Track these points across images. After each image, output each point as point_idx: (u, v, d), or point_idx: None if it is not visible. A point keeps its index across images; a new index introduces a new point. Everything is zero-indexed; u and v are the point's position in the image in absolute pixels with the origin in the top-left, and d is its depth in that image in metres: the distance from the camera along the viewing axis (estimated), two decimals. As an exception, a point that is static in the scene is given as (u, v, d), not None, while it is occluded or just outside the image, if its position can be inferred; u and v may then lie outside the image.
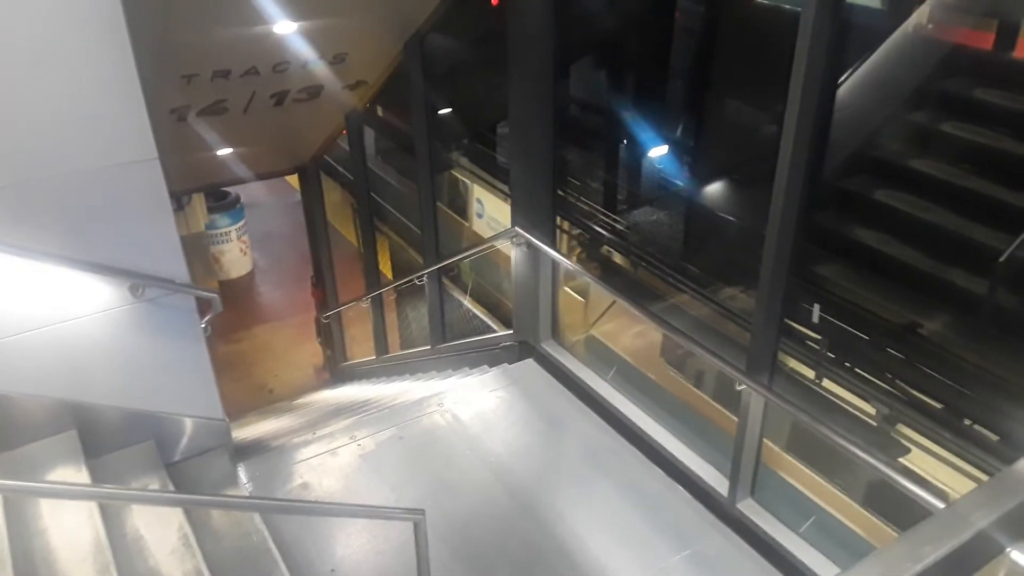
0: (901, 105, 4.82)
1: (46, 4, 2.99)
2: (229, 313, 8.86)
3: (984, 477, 3.40)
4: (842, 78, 4.39)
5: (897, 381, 4.05)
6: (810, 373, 4.35)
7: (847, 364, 4.31)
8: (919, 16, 4.88)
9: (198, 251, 10.91)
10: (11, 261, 3.24)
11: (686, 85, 6.41)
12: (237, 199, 11.63)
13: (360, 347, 9.18)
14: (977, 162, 4.32)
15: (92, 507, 3.20)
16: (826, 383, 4.28)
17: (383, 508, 3.34)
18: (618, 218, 6.35)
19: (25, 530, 3.09)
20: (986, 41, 4.85)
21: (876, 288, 4.46)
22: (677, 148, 6.23)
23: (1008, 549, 1.02)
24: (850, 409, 4.08)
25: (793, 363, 4.47)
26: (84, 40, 3.11)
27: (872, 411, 4.06)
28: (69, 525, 3.16)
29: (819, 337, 4.32)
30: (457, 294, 7.40)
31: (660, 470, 4.25)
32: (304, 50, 5.56)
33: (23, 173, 3.17)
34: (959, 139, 4.47)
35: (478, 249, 5.72)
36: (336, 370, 9.28)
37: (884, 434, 3.96)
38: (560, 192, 5.24)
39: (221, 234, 11.52)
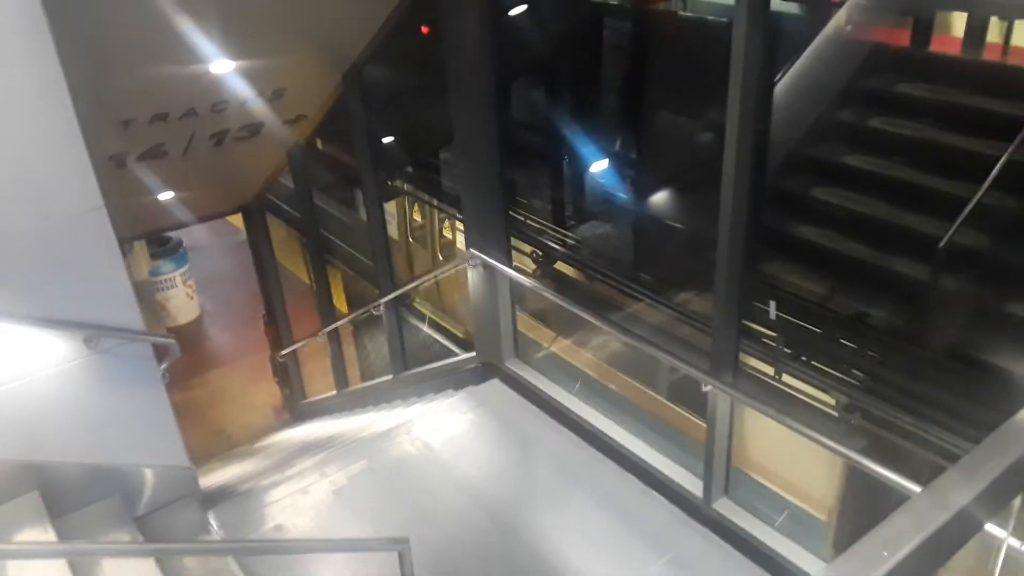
0: (830, 105, 5.03)
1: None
2: (180, 360, 8.66)
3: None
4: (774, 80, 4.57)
5: (852, 370, 4.20)
6: (770, 370, 4.48)
7: (803, 358, 4.45)
8: (837, 19, 5.13)
9: (144, 299, 10.57)
10: (-44, 322, 3.14)
11: (620, 99, 6.57)
12: (180, 244, 11.40)
13: (319, 383, 9.05)
14: (907, 154, 4.54)
15: (62, 567, 3.09)
16: (786, 378, 4.41)
17: (365, 540, 3.30)
18: (568, 233, 6.44)
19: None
20: (903, 38, 5.12)
21: (824, 282, 4.63)
22: (618, 161, 6.38)
23: (986, 525, 1.07)
24: (812, 402, 4.21)
25: (753, 361, 4.59)
26: (24, 96, 3.06)
27: (832, 401, 4.19)
28: (38, 589, 3.05)
29: (775, 334, 4.45)
30: (415, 320, 7.40)
31: (635, 478, 4.30)
32: (242, 88, 5.52)
33: (-32, 233, 3.09)
34: (888, 133, 4.69)
35: (433, 274, 5.73)
36: (296, 408, 9.14)
37: (845, 423, 4.09)
38: (510, 212, 5.30)
39: (166, 280, 11.28)
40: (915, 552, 1.00)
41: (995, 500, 1.11)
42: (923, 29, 5.02)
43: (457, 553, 3.88)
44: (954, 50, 5.08)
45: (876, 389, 4.02)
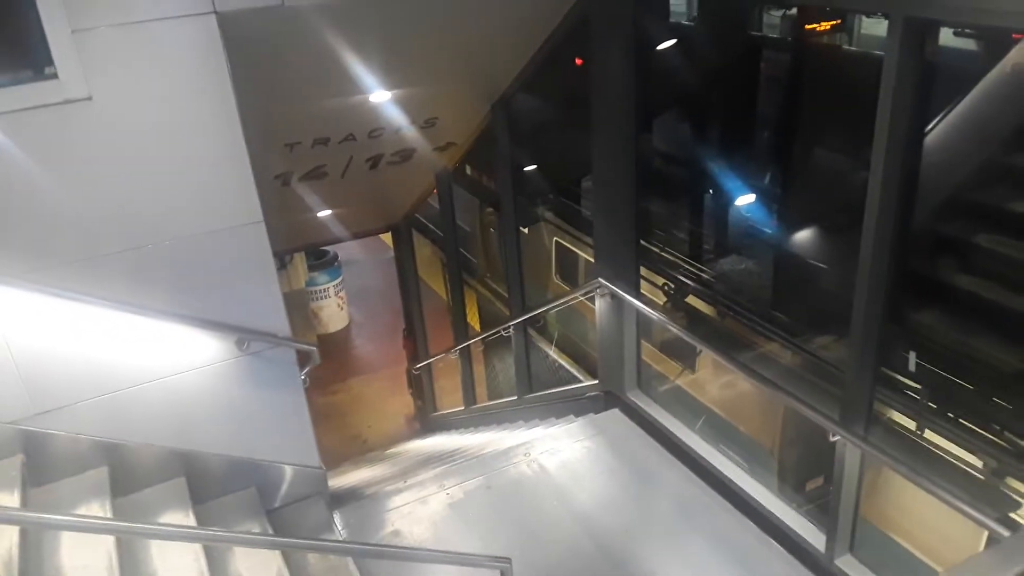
0: (998, 147, 4.67)
1: (163, 89, 3.30)
2: (326, 366, 9.17)
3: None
4: (935, 120, 4.31)
5: (1006, 432, 3.86)
6: (910, 424, 4.20)
7: (950, 415, 4.14)
8: (1017, 53, 4.76)
9: (298, 307, 11.40)
10: (130, 318, 3.52)
11: (772, 134, 6.39)
12: (335, 257, 12.13)
13: (449, 398, 9.33)
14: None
15: (198, 550, 3.37)
16: (928, 434, 4.12)
17: (471, 555, 3.38)
18: (703, 267, 6.32)
19: (135, 571, 3.28)
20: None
21: (981, 336, 4.28)
22: (764, 196, 6.19)
23: None
24: (954, 462, 3.91)
25: (894, 414, 4.32)
26: (198, 117, 3.41)
27: (979, 463, 3.87)
28: (176, 567, 3.34)
29: (919, 387, 4.17)
30: (543, 344, 7.48)
31: (753, 523, 4.14)
32: (397, 116, 5.85)
33: (143, 238, 3.47)
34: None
35: (563, 300, 5.79)
36: (426, 420, 9.45)
37: (993, 488, 3.76)
38: (644, 243, 5.28)
39: (320, 291, 12.02)
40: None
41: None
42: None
43: (562, 578, 3.89)
44: None
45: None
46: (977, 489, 3.77)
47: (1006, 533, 2.91)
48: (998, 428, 3.89)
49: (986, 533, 3.87)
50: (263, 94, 4.63)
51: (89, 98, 3.19)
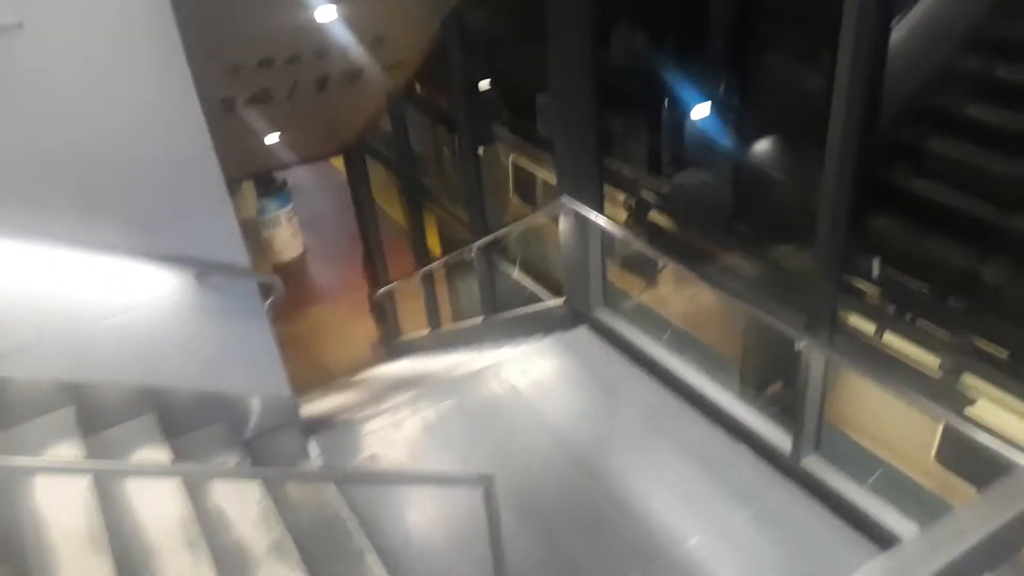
0: (954, 51, 4.68)
1: (101, 13, 3.09)
2: (284, 295, 9.06)
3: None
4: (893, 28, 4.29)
5: (960, 331, 4.01)
6: (870, 329, 4.32)
7: (908, 317, 4.27)
8: (970, -45, 4.72)
9: (250, 236, 11.05)
10: (83, 256, 3.39)
11: (726, 42, 6.31)
12: (284, 183, 11.82)
13: (414, 322, 9.33)
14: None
15: (176, 485, 3.36)
16: (888, 338, 4.26)
17: (453, 474, 3.44)
18: (664, 181, 6.32)
19: (114, 509, 3.26)
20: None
21: (934, 239, 4.39)
22: (721, 107, 6.15)
23: None
24: (912, 363, 4.05)
25: (853, 319, 4.44)
26: (137, 40, 3.21)
27: (935, 363, 4.02)
28: (155, 502, 3.32)
29: (878, 292, 4.28)
30: (506, 265, 7.46)
31: (722, 430, 4.27)
32: (344, 34, 5.61)
33: (87, 172, 3.30)
34: (1015, 83, 4.34)
35: (525, 220, 5.75)
36: (391, 345, 9.45)
37: (948, 386, 3.92)
38: (605, 159, 5.23)
39: (271, 219, 11.75)
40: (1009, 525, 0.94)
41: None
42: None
43: (540, 492, 3.99)
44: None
45: (984, 351, 3.84)
46: (934, 387, 3.93)
47: (963, 426, 3.04)
48: (952, 327, 4.04)
49: (940, 428, 4.07)
50: (202, 14, 4.38)
51: (20, 25, 2.96)
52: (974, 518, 0.84)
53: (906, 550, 0.82)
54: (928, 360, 4.03)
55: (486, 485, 3.03)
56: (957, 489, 4.07)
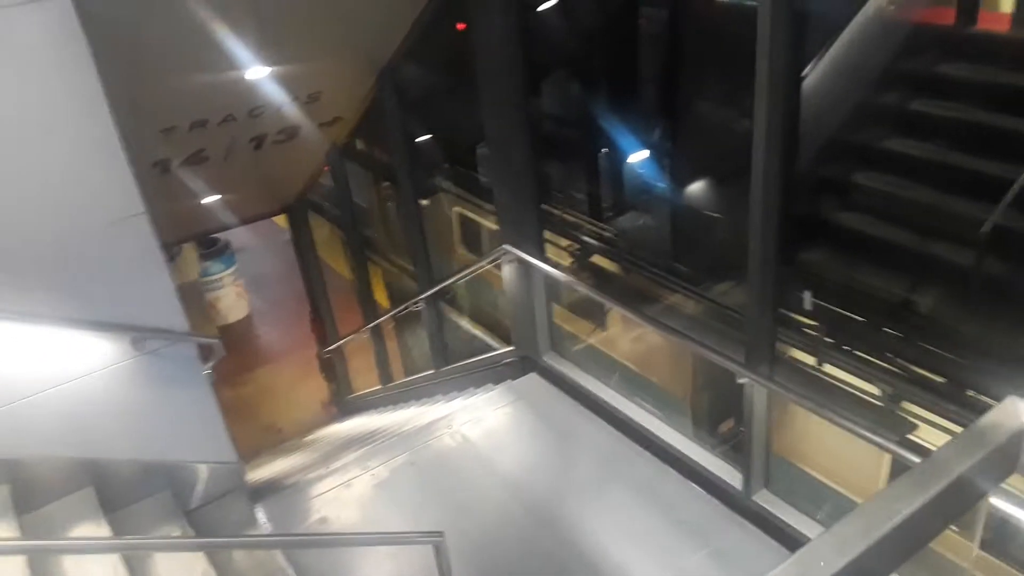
0: (870, 88, 4.91)
1: (25, 80, 3.06)
2: (231, 358, 8.82)
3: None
4: (807, 68, 4.48)
5: (897, 359, 4.11)
6: (811, 360, 4.41)
7: (846, 347, 4.37)
8: (878, -1, 4.99)
9: (194, 299, 10.93)
10: (12, 326, 3.28)
11: (657, 90, 6.50)
12: (227, 245, 11.68)
13: (364, 378, 9.20)
14: (951, 136, 4.40)
15: (116, 562, 3.22)
16: (828, 368, 4.34)
17: (402, 533, 3.37)
18: (605, 226, 6.42)
19: (51, 592, 3.11)
20: (948, 17, 4.95)
21: (866, 269, 4.53)
22: (656, 151, 6.32)
23: (988, 494, 1.03)
24: (854, 391, 4.14)
25: (795, 352, 4.52)
26: (62, 107, 3.18)
27: (876, 391, 4.11)
28: (94, 582, 3.18)
29: (816, 324, 4.38)
30: (455, 316, 7.45)
31: (673, 470, 4.29)
32: (277, 93, 5.63)
33: (16, 240, 3.23)
34: (930, 116, 4.55)
35: (470, 270, 5.77)
36: (343, 403, 9.30)
37: (891, 413, 4.01)
38: (545, 207, 5.31)
39: (215, 280, 11.56)
40: (915, 515, 0.94)
41: (997, 469, 1.03)
42: (969, 5, 4.85)
43: (496, 546, 3.92)
44: (1003, 27, 4.91)
45: (921, 378, 3.93)
46: (876, 415, 4.01)
47: (906, 454, 3.11)
48: (890, 356, 4.14)
49: (888, 456, 4.14)
50: (131, 77, 4.35)
51: (-61, 98, 2.91)
52: (879, 512, 0.86)
53: (813, 548, 0.84)
54: (870, 389, 4.12)
55: (436, 543, 2.97)
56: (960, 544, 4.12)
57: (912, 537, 0.88)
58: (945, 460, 0.88)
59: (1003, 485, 0.98)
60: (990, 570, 3.32)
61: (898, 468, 4.09)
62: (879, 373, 3.99)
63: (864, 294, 4.38)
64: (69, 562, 3.24)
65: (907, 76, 4.74)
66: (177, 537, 3.63)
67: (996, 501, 1.02)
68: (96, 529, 3.46)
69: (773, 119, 3.15)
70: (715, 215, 5.79)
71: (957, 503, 0.91)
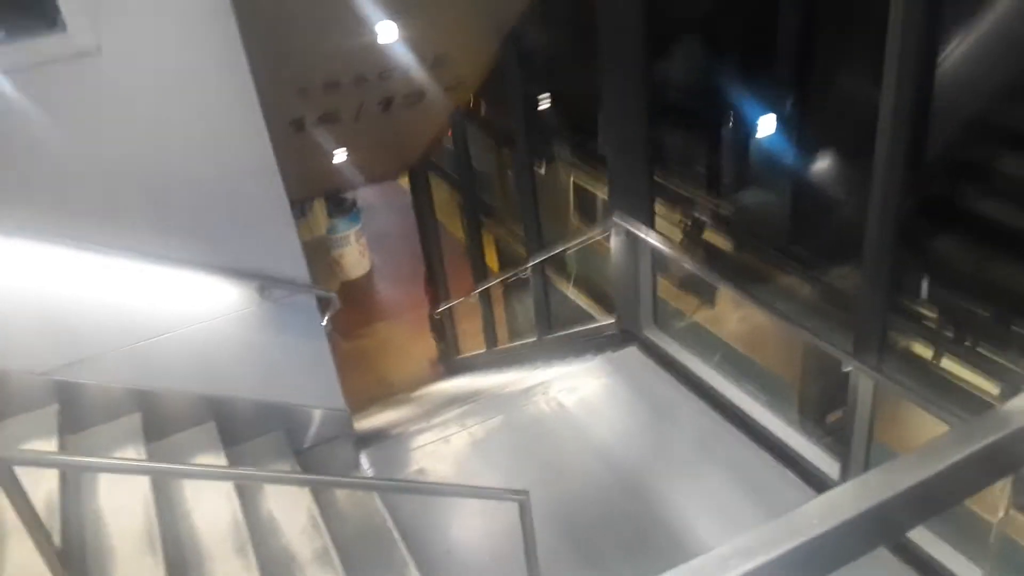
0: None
1: (171, 38, 3.30)
2: (351, 311, 9.29)
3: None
4: (954, 42, 4.18)
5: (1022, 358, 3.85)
6: (927, 353, 4.19)
7: (967, 342, 4.13)
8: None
9: (321, 254, 11.49)
10: (151, 268, 3.59)
11: (790, 59, 6.22)
12: (354, 203, 12.14)
13: (471, 340, 9.44)
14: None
15: (230, 491, 3.50)
16: (945, 363, 4.12)
17: (489, 488, 3.49)
18: (722, 202, 6.26)
19: (171, 513, 3.42)
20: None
21: (999, 261, 4.23)
22: (783, 126, 6.07)
23: None
24: (970, 389, 3.91)
25: (912, 344, 4.31)
26: (205, 64, 3.40)
27: (995, 391, 3.87)
28: (210, 508, 3.48)
29: (936, 315, 4.15)
30: (562, 284, 7.50)
31: (769, 454, 4.20)
32: (406, 55, 5.79)
33: (158, 188, 3.51)
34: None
35: (578, 241, 5.79)
36: (449, 363, 9.59)
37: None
38: (660, 179, 5.24)
39: (341, 238, 12.05)
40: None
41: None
42: None
43: (582, 510, 3.99)
44: None
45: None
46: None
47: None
48: (1016, 354, 3.88)
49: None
50: (271, 37, 4.60)
51: (99, 50, 3.19)
52: (909, 466, 0.86)
53: (837, 493, 0.85)
54: (988, 387, 3.88)
55: (521, 501, 3.06)
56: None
57: (943, 493, 0.88)
58: (988, 424, 0.87)
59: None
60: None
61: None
62: (1001, 371, 3.76)
63: (995, 287, 4.11)
64: (189, 489, 3.55)
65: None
66: (287, 472, 3.90)
67: None
68: (215, 460, 3.77)
69: (901, 96, 2.99)
70: (841, 196, 5.53)
71: (993, 467, 0.89)
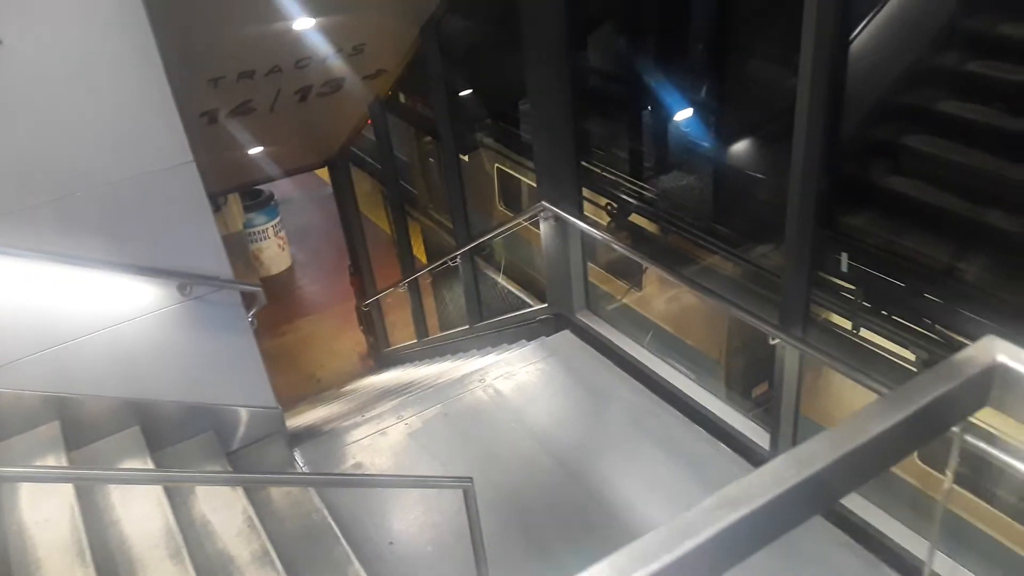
0: (926, 48, 4.74)
1: (77, 28, 3.14)
2: (273, 308, 9.02)
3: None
4: (863, 23, 4.35)
5: (936, 326, 4.05)
6: (847, 324, 4.36)
7: (884, 312, 4.31)
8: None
9: (239, 250, 11.15)
10: (65, 270, 3.42)
11: (706, 45, 6.36)
12: (271, 196, 11.85)
13: (401, 332, 9.35)
14: (1009, 99, 4.25)
15: (160, 495, 3.38)
16: (864, 332, 4.30)
17: (433, 477, 3.48)
18: (646, 185, 6.36)
19: (99, 521, 3.28)
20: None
21: (910, 235, 4.44)
22: (701, 109, 6.21)
23: (958, 426, 1.05)
24: (889, 357, 4.10)
25: (833, 316, 4.48)
26: (115, 56, 3.26)
27: (912, 357, 4.06)
28: (139, 514, 3.35)
29: (854, 287, 4.32)
30: (491, 272, 7.50)
31: (702, 429, 4.31)
32: (323, 44, 5.67)
33: (69, 186, 3.35)
34: (989, 78, 4.40)
35: (507, 227, 5.79)
36: (380, 356, 9.47)
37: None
38: (585, 164, 5.28)
39: (259, 232, 11.76)
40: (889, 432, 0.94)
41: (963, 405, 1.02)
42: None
43: (524, 495, 4.02)
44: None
45: (960, 344, 3.88)
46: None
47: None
48: (929, 322, 4.08)
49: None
50: (181, 26, 4.43)
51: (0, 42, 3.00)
52: (845, 433, 0.89)
53: (776, 464, 0.87)
54: (906, 354, 4.07)
55: (466, 487, 3.05)
56: (934, 479, 4.12)
57: (876, 459, 0.91)
58: (916, 388, 0.91)
59: (973, 420, 1.01)
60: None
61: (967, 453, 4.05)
62: (917, 339, 3.94)
63: (907, 259, 4.30)
64: (116, 496, 3.41)
65: (967, 36, 4.57)
66: (217, 472, 3.79)
67: (968, 437, 1.05)
68: (141, 465, 3.63)
69: (817, 78, 3.09)
70: (759, 176, 5.70)
71: (923, 430, 0.93)
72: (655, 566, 0.78)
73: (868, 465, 0.92)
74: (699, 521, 0.86)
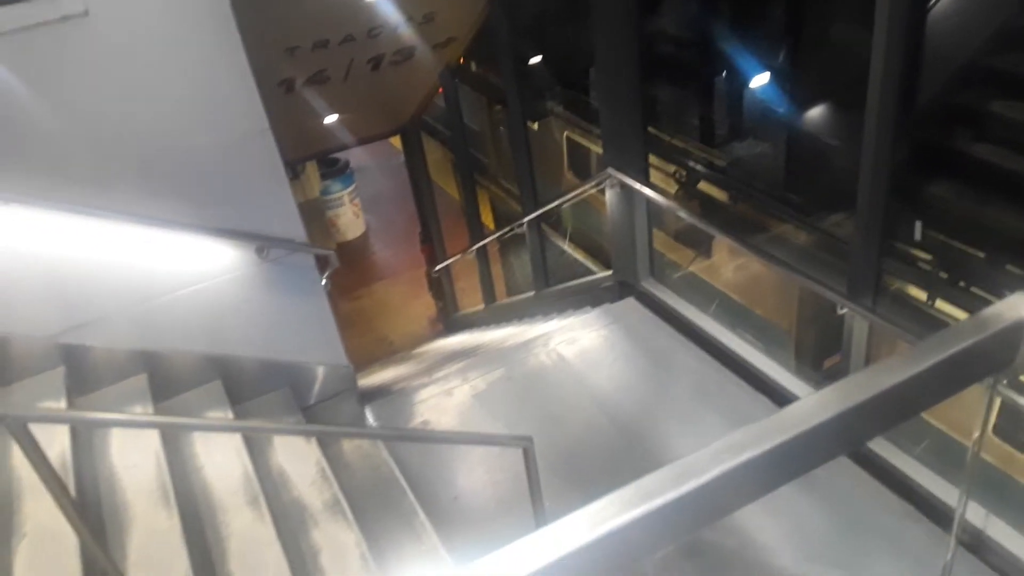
0: (1017, 8, 4.50)
1: (158, 3, 3.28)
2: (347, 273, 9.33)
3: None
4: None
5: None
6: (923, 296, 4.25)
7: (961, 284, 4.18)
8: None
9: (315, 216, 11.48)
10: (151, 232, 3.62)
11: (781, 8, 6.18)
12: (347, 165, 12.10)
13: (469, 297, 9.50)
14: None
15: (240, 445, 3.58)
16: (940, 304, 4.17)
17: (494, 435, 3.58)
18: (715, 152, 6.27)
19: (182, 468, 3.50)
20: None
21: (994, 204, 4.26)
22: (777, 75, 6.05)
23: (988, 379, 1.06)
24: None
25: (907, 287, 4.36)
26: (195, 26, 3.40)
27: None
28: (220, 462, 3.56)
29: (931, 258, 4.19)
30: (558, 239, 7.53)
31: (768, 399, 4.28)
32: (394, 13, 5.75)
33: (153, 152, 3.53)
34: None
35: (573, 194, 5.81)
36: (449, 320, 9.66)
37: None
38: (654, 131, 5.23)
39: (335, 199, 12.05)
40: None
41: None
42: None
43: (583, 456, 4.08)
44: None
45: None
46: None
47: (1014, 395, 2.99)
48: (1009, 294, 3.94)
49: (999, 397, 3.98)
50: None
51: (86, 12, 3.17)
52: (870, 379, 0.91)
53: (799, 405, 0.91)
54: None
55: (525, 446, 3.14)
56: (1015, 460, 4.00)
57: (903, 404, 0.94)
58: (943, 340, 0.92)
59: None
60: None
61: (1004, 406, 3.94)
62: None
63: (988, 229, 4.14)
64: (199, 445, 3.63)
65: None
66: (295, 424, 3.98)
67: (1001, 389, 1.06)
68: (223, 416, 3.85)
69: (892, 41, 3.00)
70: (834, 144, 5.54)
71: (951, 381, 0.95)
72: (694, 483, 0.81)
73: (895, 410, 0.94)
74: (739, 444, 0.90)
